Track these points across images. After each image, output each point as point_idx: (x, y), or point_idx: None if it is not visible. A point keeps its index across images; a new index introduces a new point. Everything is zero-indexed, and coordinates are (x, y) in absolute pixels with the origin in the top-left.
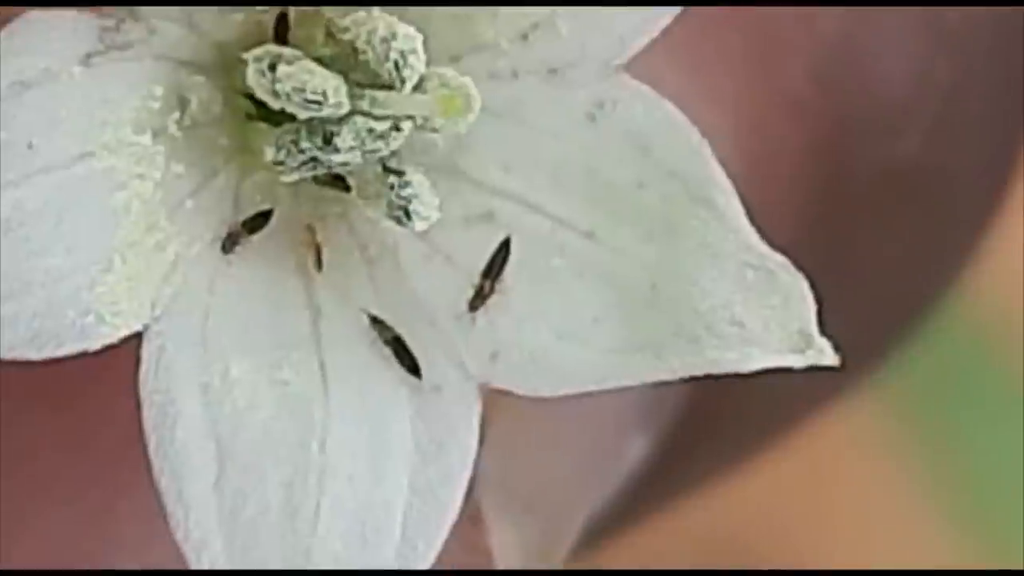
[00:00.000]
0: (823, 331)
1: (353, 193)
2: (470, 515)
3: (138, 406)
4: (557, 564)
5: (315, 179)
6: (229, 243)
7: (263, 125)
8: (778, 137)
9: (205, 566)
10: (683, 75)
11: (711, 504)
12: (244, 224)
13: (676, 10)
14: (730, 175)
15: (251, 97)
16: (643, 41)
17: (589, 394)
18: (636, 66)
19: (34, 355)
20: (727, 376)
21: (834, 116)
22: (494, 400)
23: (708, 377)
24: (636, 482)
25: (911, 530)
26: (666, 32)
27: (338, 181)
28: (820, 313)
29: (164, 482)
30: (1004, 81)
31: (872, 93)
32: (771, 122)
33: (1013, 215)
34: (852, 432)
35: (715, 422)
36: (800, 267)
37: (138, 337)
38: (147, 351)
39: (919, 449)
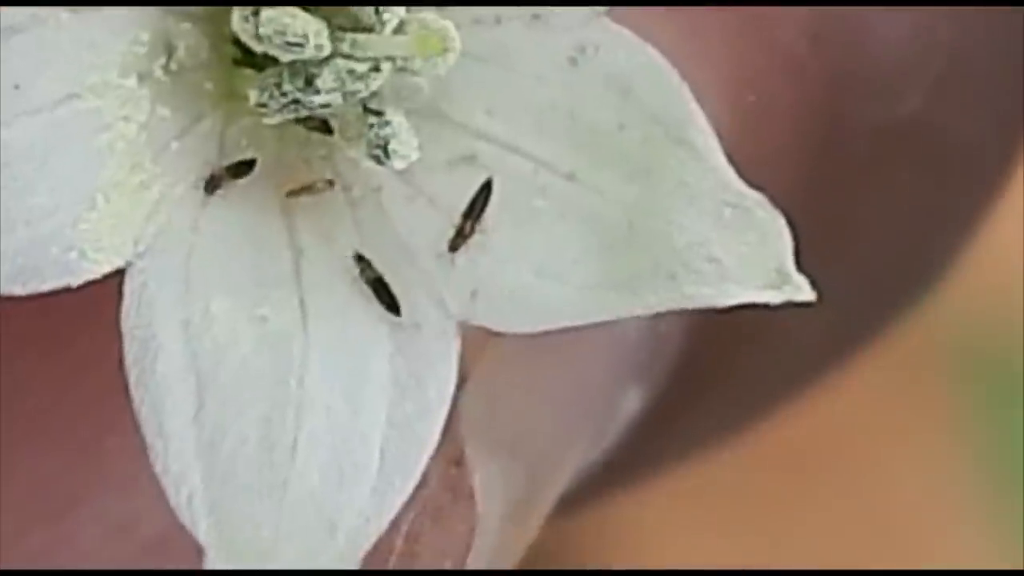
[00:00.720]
0: (800, 268)
1: (336, 135)
2: (454, 458)
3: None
4: (542, 512)
5: (298, 121)
6: (212, 185)
7: (249, 71)
8: (772, 94)
9: (184, 498)
10: (678, 34)
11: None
12: (228, 169)
13: None
14: (724, 132)
15: (238, 43)
16: None
17: (576, 342)
18: (630, 25)
19: (19, 290)
20: (723, 333)
21: (830, 74)
22: (479, 344)
23: (703, 325)
24: (631, 437)
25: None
26: None
27: (321, 124)
28: (797, 251)
29: (144, 414)
30: (1009, 42)
31: (869, 52)
32: (765, 79)
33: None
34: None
35: (713, 380)
36: (796, 223)
37: (119, 273)
38: (129, 287)
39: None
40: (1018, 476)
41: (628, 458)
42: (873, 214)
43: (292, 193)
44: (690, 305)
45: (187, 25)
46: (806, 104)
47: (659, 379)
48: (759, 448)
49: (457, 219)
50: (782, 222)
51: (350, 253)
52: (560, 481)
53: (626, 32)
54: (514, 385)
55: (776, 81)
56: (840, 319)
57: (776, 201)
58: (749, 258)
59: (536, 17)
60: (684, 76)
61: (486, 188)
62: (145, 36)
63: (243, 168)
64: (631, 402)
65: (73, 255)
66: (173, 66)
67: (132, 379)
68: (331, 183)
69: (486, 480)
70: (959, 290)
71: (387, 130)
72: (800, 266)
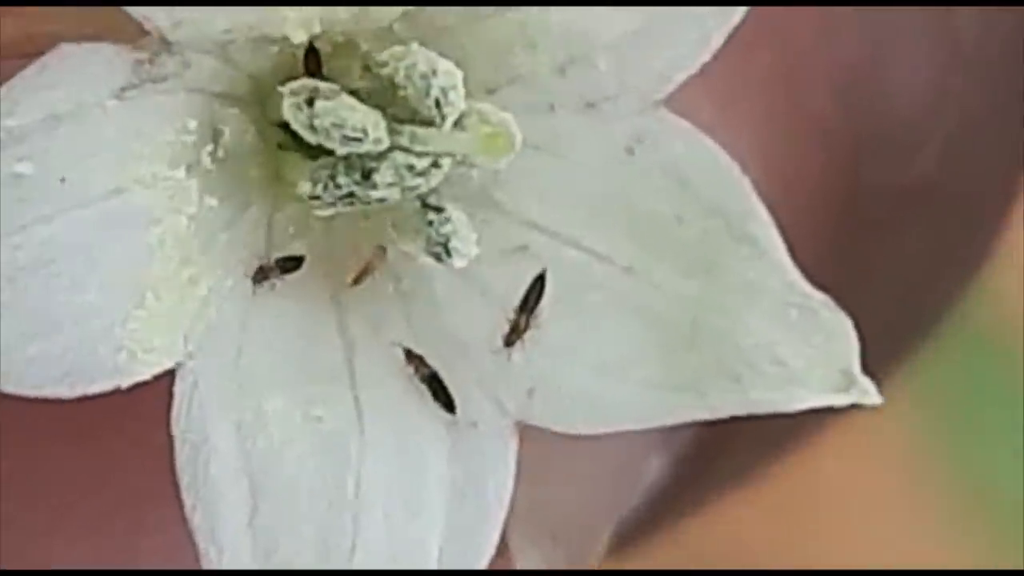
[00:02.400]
0: (865, 369)
1: (389, 227)
2: (498, 548)
3: (166, 441)
4: None
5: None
6: (260, 276)
7: (296, 155)
8: (802, 159)
9: None
10: (717, 107)
11: (716, 518)
12: (276, 263)
13: (717, 44)
14: (762, 200)
15: (284, 126)
16: (682, 76)
17: None
18: (671, 102)
19: (66, 393)
20: None
21: (854, 136)
22: (520, 429)
23: None
24: (651, 499)
25: (915, 540)
26: None
27: (372, 215)
28: (863, 352)
29: (197, 520)
30: (1018, 95)
31: (891, 112)
32: (796, 145)
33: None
34: (857, 442)
35: (731, 440)
36: (819, 283)
37: (167, 372)
38: (180, 388)
39: (926, 460)
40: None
41: (646, 519)
42: (886, 268)
43: (355, 281)
44: (756, 410)
45: (234, 110)
46: (832, 166)
47: (681, 446)
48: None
49: (511, 313)
50: (848, 323)
51: (402, 348)
52: (597, 555)
53: (683, 122)
54: (554, 470)
55: (806, 146)
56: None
57: (802, 264)
58: (815, 361)
59: (591, 105)
60: (726, 148)
61: (540, 281)
62: (192, 123)
63: (291, 263)
64: (655, 469)
65: (122, 356)
66: (220, 153)
67: (184, 483)
68: (384, 250)
69: (528, 566)
70: None
71: (448, 227)
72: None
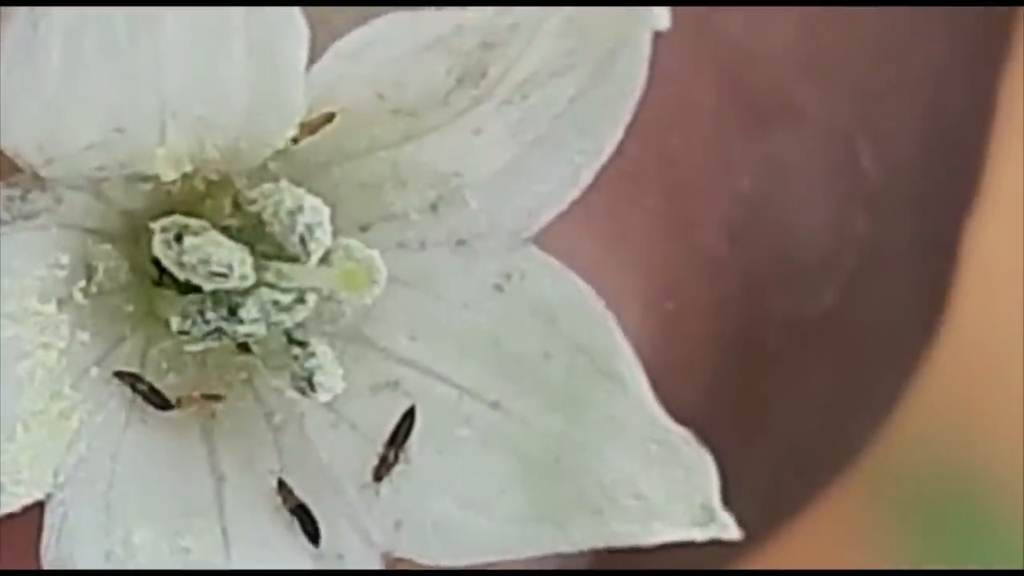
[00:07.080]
0: (726, 504)
1: (259, 362)
2: None
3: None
4: None
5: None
6: (132, 412)
7: (169, 292)
8: (690, 297)
9: None
10: (598, 241)
11: None
12: (148, 400)
13: (586, 181)
14: (641, 339)
15: (157, 263)
16: (551, 213)
17: None
18: (551, 233)
19: None
20: None
21: (747, 273)
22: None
23: None
24: None
25: None
26: (582, 198)
27: (243, 349)
28: (724, 487)
29: None
30: (927, 233)
31: (787, 249)
32: (684, 283)
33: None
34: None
35: (636, 566)
36: (710, 426)
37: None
38: (49, 519)
39: None
40: None
41: None
42: (790, 405)
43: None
44: (616, 543)
45: (107, 246)
46: (722, 305)
47: (581, 567)
48: None
49: (380, 447)
50: (708, 459)
51: (272, 480)
52: None
53: (551, 260)
54: None
55: (695, 284)
56: (758, 508)
57: (687, 403)
58: (675, 495)
59: (461, 243)
60: (608, 286)
61: (409, 416)
62: (64, 259)
63: (165, 400)
64: None
65: None
66: (93, 289)
67: None
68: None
69: None
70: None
71: (312, 362)
72: (720, 464)
